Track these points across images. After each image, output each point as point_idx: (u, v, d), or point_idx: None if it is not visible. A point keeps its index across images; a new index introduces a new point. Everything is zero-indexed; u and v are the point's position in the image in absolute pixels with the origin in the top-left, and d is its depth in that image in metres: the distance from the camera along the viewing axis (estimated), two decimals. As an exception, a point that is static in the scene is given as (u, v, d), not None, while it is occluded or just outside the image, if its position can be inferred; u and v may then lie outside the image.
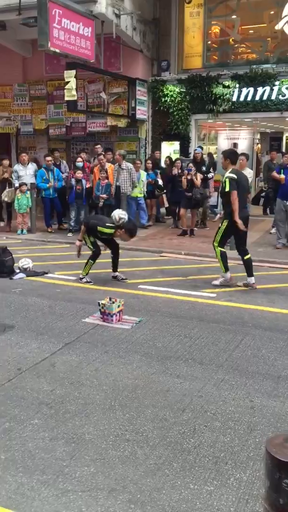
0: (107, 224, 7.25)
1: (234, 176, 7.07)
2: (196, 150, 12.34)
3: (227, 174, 7.15)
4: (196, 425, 3.60)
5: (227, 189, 7.06)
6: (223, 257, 7.31)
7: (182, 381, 4.27)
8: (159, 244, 10.15)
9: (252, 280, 7.28)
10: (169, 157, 13.21)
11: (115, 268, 7.75)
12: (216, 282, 7.42)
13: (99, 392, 4.09)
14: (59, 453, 3.26)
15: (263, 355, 4.84)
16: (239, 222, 7.04)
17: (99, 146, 12.76)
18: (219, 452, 3.28)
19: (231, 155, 7.35)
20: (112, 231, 7.22)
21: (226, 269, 7.36)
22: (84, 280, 7.49)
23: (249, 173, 9.93)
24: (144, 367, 4.57)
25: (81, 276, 7.53)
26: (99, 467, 3.12)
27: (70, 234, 11.33)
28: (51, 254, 9.61)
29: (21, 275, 7.85)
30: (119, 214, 7.28)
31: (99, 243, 7.66)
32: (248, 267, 7.31)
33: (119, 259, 7.76)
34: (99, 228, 7.27)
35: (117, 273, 7.73)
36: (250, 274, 7.29)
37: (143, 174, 12.05)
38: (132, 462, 3.17)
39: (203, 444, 3.37)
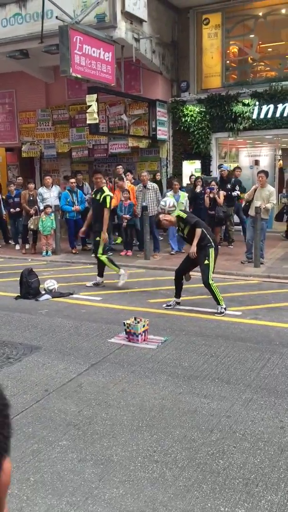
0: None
1: (112, 194, 8.49)
2: (222, 167, 12.37)
3: (108, 192, 8.41)
4: (225, 446, 3.55)
5: (107, 206, 8.30)
6: (111, 261, 8.54)
7: (210, 401, 4.23)
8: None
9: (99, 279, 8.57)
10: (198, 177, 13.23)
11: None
12: (90, 284, 8.60)
13: (126, 412, 4.08)
14: (87, 474, 3.25)
15: (291, 374, 4.76)
16: (106, 236, 8.52)
17: (120, 167, 12.95)
18: (249, 473, 3.23)
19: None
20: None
21: (102, 275, 8.61)
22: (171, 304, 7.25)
23: (268, 190, 9.85)
24: (171, 387, 4.54)
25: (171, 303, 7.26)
26: (128, 489, 3.10)
27: (93, 255, 11.39)
28: (75, 275, 9.71)
29: (47, 296, 7.94)
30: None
31: None
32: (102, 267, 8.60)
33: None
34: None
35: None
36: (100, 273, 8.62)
37: (183, 196, 11.25)
38: (161, 484, 3.14)
39: (233, 465, 3.32)
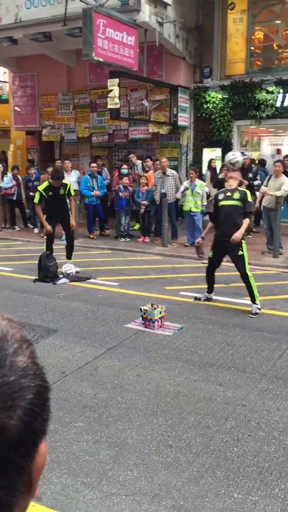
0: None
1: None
2: (244, 155, 12.18)
3: (66, 181, 8.73)
4: (240, 434, 3.56)
5: (72, 193, 8.70)
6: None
7: (225, 389, 4.24)
8: (200, 251, 10.11)
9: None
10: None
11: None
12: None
13: (142, 397, 4.10)
14: (102, 456, 3.29)
15: (308, 365, 4.73)
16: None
17: (132, 155, 12.92)
18: (264, 462, 3.23)
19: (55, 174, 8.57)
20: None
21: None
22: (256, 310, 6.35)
23: (282, 180, 9.65)
24: (186, 373, 4.56)
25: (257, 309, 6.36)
26: (142, 472, 3.13)
27: (123, 239, 11.51)
28: (93, 260, 9.74)
29: (65, 280, 7.99)
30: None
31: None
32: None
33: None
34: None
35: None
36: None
37: (200, 185, 10.68)
38: (175, 468, 3.17)
39: (247, 453, 3.33)
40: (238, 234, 6.21)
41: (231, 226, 6.30)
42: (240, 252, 6.31)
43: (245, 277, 6.30)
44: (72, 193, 8.68)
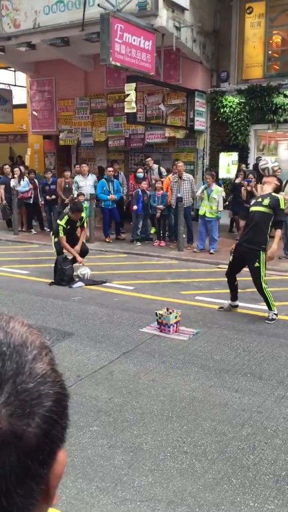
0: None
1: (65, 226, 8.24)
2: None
3: (83, 214, 8.58)
4: (256, 441, 3.52)
5: (85, 225, 8.93)
6: None
7: (241, 396, 4.20)
8: (217, 255, 10.06)
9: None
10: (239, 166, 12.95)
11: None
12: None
13: (157, 402, 4.08)
14: (117, 461, 3.28)
15: None
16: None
17: (149, 158, 12.92)
18: (280, 470, 3.19)
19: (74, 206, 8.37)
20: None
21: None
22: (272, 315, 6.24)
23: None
24: (201, 379, 4.52)
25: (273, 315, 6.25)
26: (157, 477, 3.11)
27: (139, 244, 11.51)
28: (109, 264, 9.76)
29: (80, 283, 8.02)
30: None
31: None
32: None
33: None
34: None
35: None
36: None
37: (217, 190, 10.42)
38: (190, 475, 3.14)
39: (263, 461, 3.29)
40: (270, 254, 6.14)
41: (254, 234, 6.16)
42: (256, 264, 6.15)
43: (258, 288, 6.22)
44: (85, 225, 8.88)
